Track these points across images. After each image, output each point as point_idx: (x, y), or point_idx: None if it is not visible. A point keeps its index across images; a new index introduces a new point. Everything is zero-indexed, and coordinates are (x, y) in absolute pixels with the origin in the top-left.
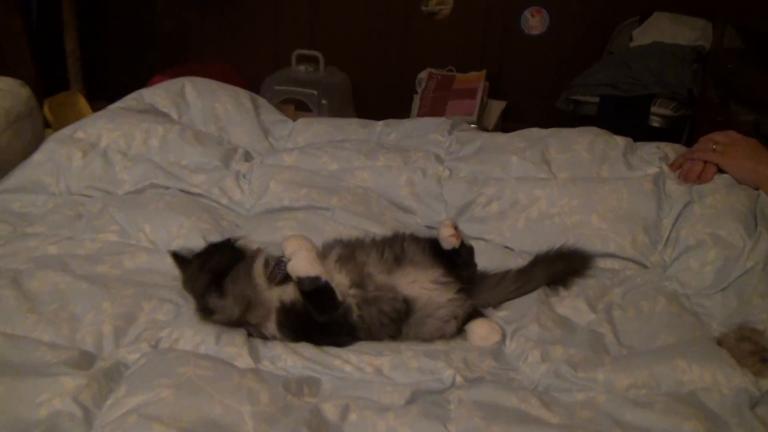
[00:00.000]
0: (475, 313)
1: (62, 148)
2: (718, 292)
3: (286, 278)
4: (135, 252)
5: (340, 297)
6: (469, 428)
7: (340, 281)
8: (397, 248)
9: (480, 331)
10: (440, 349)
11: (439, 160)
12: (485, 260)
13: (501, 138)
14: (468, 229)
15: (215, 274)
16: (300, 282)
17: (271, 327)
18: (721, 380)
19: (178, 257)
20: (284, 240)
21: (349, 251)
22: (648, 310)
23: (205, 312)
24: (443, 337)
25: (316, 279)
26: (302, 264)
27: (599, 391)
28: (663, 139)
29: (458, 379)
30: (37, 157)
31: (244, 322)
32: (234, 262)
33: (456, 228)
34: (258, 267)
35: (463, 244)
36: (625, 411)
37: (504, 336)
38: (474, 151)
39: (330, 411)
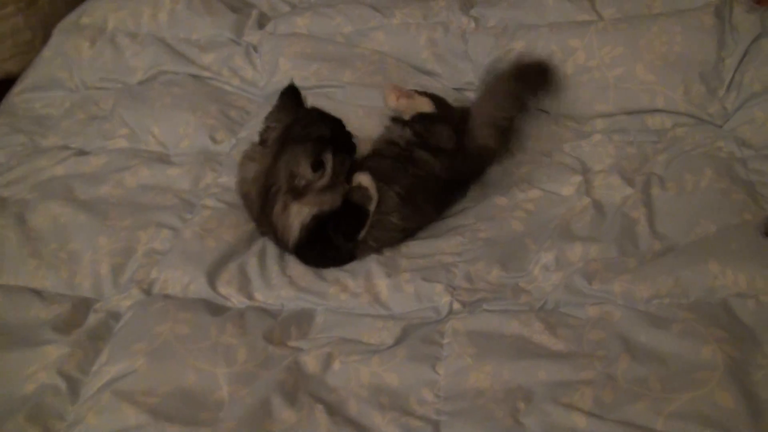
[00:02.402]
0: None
1: (69, 40)
2: None
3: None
4: (137, 167)
5: None
6: (460, 368)
7: None
8: None
9: None
10: (445, 263)
11: (463, 8)
12: None
13: None
14: None
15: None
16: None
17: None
18: (760, 285)
19: (293, 95)
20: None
21: None
22: (692, 187)
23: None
24: None
25: None
26: None
27: (616, 304)
28: None
29: (455, 306)
30: (46, 52)
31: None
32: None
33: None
34: None
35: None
36: (640, 331)
37: None
38: None
39: (311, 363)
